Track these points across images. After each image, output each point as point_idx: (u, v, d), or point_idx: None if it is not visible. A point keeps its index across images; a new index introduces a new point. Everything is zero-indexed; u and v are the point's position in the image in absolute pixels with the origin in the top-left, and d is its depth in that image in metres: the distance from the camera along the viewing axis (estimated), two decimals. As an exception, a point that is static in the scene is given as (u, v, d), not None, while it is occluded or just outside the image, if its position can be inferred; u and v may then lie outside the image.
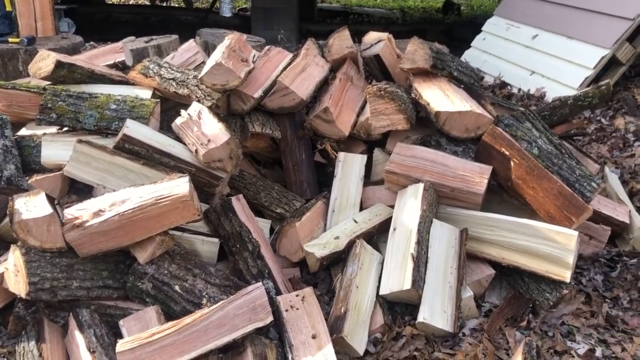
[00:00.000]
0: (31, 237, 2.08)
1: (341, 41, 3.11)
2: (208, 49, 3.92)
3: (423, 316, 2.15)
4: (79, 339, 2.00)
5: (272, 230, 2.65)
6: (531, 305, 2.37)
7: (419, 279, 2.22)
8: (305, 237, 2.50)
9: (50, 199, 2.22)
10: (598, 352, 2.16)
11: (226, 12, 7.66)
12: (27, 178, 2.48)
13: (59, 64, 2.71)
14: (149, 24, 8.99)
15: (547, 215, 2.43)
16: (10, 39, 4.03)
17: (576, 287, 2.50)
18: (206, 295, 2.12)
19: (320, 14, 10.12)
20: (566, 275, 2.27)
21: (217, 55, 2.63)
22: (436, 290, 2.24)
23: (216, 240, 2.42)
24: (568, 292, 2.33)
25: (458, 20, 9.85)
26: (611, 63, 4.62)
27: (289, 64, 2.93)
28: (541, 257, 2.32)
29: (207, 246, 2.41)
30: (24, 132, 2.74)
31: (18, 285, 2.05)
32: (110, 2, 11.35)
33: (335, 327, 2.11)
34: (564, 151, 2.77)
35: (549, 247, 2.30)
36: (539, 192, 2.43)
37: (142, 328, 2.00)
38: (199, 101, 2.61)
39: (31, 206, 2.13)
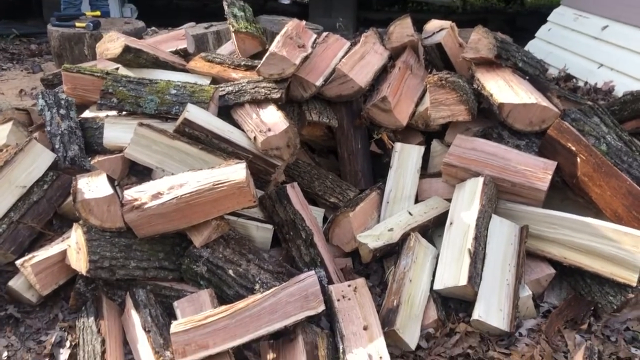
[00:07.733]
0: (92, 217, 2.14)
1: (402, 29, 3.05)
2: (266, 35, 3.93)
3: (478, 313, 2.10)
4: (135, 317, 2.05)
5: (325, 219, 2.64)
6: (593, 308, 2.27)
7: (475, 275, 2.16)
8: (358, 227, 2.48)
9: (111, 180, 2.28)
10: (665, 361, 2.06)
11: (285, -1, 7.68)
12: (89, 159, 2.56)
13: (127, 48, 2.77)
14: (208, 10, 9.10)
15: (614, 215, 2.32)
16: (77, 24, 4.16)
17: (643, 291, 2.38)
18: (259, 281, 2.12)
19: (378, 2, 9.98)
20: (633, 279, 2.16)
21: (273, 44, 2.61)
22: (493, 288, 2.17)
23: (270, 226, 2.42)
24: (634, 296, 2.22)
25: (521, 10, 9.51)
26: (688, 56, 4.35)
27: (348, 51, 2.90)
28: (606, 259, 2.21)
29: (261, 232, 2.41)
30: (87, 114, 2.82)
31: (79, 262, 2.12)
32: (172, -11, 11.55)
33: (387, 320, 2.08)
34: (635, 148, 2.62)
35: (615, 248, 2.19)
36: (606, 191, 2.32)
37: (195, 310, 2.02)
38: (266, 98, 2.59)
39: (93, 186, 2.19)
